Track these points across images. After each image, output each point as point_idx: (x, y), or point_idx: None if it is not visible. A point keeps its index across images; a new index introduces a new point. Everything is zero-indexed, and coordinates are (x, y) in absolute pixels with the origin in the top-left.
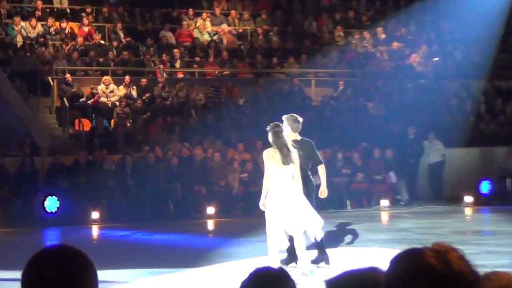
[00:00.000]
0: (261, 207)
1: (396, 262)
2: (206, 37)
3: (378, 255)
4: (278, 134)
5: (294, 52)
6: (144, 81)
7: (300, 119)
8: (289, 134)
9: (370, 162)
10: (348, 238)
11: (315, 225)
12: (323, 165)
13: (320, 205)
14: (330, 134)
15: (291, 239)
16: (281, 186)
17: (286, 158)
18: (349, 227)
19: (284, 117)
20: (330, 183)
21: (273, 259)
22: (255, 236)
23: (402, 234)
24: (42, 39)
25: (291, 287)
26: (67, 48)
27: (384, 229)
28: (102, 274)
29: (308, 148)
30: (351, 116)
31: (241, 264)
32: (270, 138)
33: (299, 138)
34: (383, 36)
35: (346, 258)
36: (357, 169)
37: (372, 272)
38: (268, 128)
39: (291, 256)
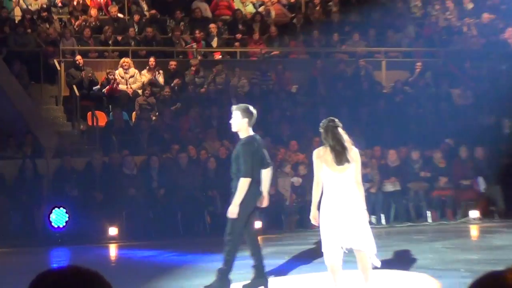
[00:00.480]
0: (313, 220)
1: None
2: (250, 9)
3: (466, 281)
4: (332, 128)
5: (360, 27)
6: (173, 64)
7: (255, 111)
8: (243, 128)
9: (455, 163)
10: (429, 258)
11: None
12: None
13: (393, 218)
14: (405, 128)
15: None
16: (337, 193)
17: (339, 157)
18: (430, 244)
19: (236, 108)
20: (406, 189)
21: (334, 282)
22: (311, 256)
23: (497, 254)
24: (45, 13)
25: None
26: (76, 23)
27: (474, 247)
28: None
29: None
30: (431, 106)
31: None
32: (322, 135)
33: (252, 133)
34: (470, 6)
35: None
36: (440, 172)
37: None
38: (321, 124)
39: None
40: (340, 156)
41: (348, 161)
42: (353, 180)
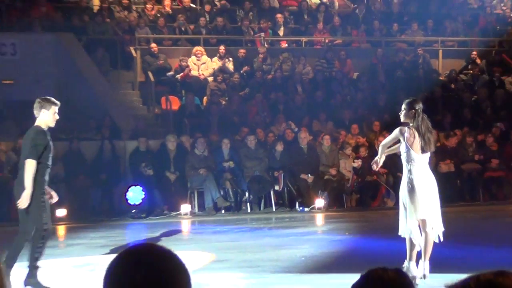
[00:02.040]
0: (373, 165)
1: None
2: (315, 0)
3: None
4: (422, 114)
5: (418, 17)
6: (242, 51)
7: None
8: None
9: (507, 146)
10: (479, 237)
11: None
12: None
13: (448, 197)
14: (460, 113)
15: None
16: (419, 173)
17: (428, 145)
18: (481, 223)
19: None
20: (460, 171)
21: (410, 260)
22: (374, 233)
23: None
24: (126, 1)
25: None
26: (151, 12)
27: None
28: (193, 277)
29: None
30: (485, 92)
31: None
32: (409, 115)
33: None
34: None
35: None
36: (492, 154)
37: (500, 276)
38: (407, 102)
39: None
40: (428, 145)
41: (433, 149)
42: (428, 162)
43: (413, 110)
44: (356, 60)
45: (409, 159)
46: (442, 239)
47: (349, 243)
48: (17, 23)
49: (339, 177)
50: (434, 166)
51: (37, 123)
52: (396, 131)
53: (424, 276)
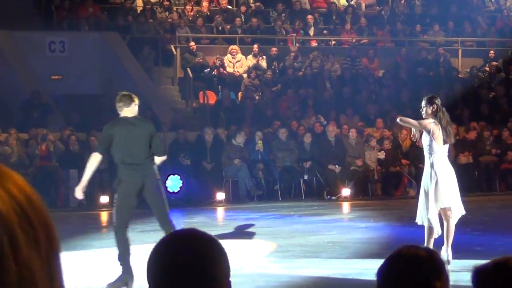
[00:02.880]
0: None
1: None
2: (343, 2)
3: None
4: (442, 109)
5: (439, 19)
6: (274, 50)
7: (125, 96)
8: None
9: None
10: (497, 224)
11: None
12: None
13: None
14: (478, 109)
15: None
16: (440, 164)
17: (449, 137)
18: (499, 213)
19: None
20: (478, 163)
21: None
22: (397, 221)
23: None
24: (167, 2)
25: (439, 271)
26: (190, 13)
27: None
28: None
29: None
30: (502, 89)
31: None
32: (429, 111)
33: (131, 116)
34: None
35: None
36: (508, 147)
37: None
38: (427, 98)
39: None
40: (450, 135)
41: (452, 141)
42: (447, 154)
43: (434, 105)
44: (381, 59)
45: (431, 151)
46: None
47: (373, 230)
48: (66, 22)
49: (364, 168)
50: (454, 157)
51: (135, 114)
52: (421, 122)
53: (448, 262)
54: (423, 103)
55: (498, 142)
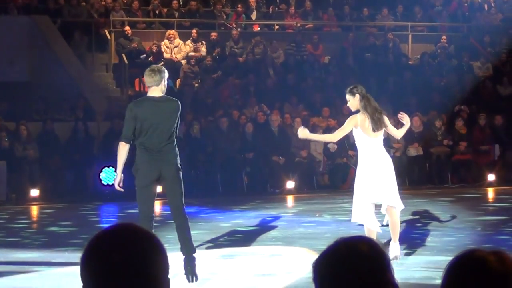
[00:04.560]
0: (300, 131)
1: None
2: None
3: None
4: (367, 96)
5: (388, 2)
6: (214, 35)
7: (154, 70)
8: (148, 90)
9: (475, 130)
10: (445, 220)
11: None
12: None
13: (416, 181)
14: (429, 97)
15: None
16: (371, 156)
17: (377, 124)
18: (450, 206)
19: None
20: (429, 154)
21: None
22: (341, 215)
23: None
24: None
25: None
26: None
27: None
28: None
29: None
30: (454, 77)
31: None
32: (355, 102)
33: (158, 95)
34: None
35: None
36: (461, 138)
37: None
38: (348, 90)
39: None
40: (379, 122)
41: (384, 126)
42: (382, 143)
43: (357, 95)
44: (327, 44)
45: (362, 143)
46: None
47: (319, 224)
48: None
49: (309, 159)
50: (403, 149)
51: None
52: (347, 122)
53: (396, 257)
54: (347, 97)
55: (450, 132)
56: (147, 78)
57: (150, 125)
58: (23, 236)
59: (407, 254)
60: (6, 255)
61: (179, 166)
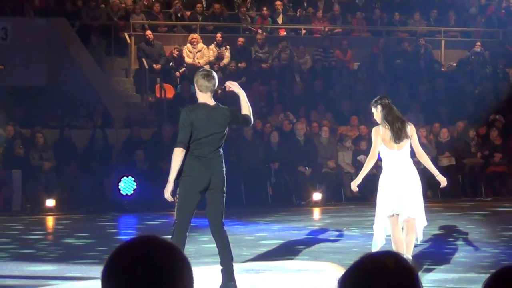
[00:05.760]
0: (353, 186)
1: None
2: None
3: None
4: (389, 106)
5: (421, 6)
6: (241, 40)
7: (211, 75)
8: (200, 96)
9: (510, 141)
10: (479, 235)
11: (420, 224)
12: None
13: (449, 193)
14: (462, 106)
15: None
16: (395, 169)
17: (398, 135)
18: (484, 220)
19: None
20: (461, 166)
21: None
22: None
23: None
24: None
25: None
26: None
27: None
28: None
29: (227, 117)
30: (488, 85)
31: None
32: (378, 113)
33: (213, 103)
34: None
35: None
36: (495, 149)
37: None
38: (372, 102)
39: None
40: (400, 133)
41: (406, 137)
42: (409, 155)
43: (379, 106)
44: (356, 50)
45: (385, 156)
46: (421, 239)
47: (347, 238)
48: (9, 7)
49: (337, 170)
50: (435, 158)
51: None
52: (373, 136)
53: None
54: (372, 109)
55: (484, 143)
56: (204, 83)
57: (205, 134)
58: (38, 248)
59: (438, 271)
60: (20, 268)
61: (225, 177)
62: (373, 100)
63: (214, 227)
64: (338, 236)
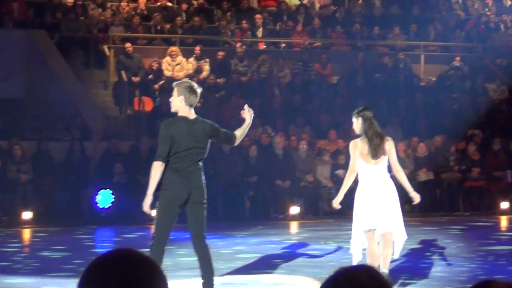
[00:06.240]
0: (334, 204)
1: None
2: (295, 1)
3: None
4: (370, 121)
5: (401, 21)
6: (221, 54)
7: (199, 90)
8: (181, 109)
9: (488, 155)
10: (456, 249)
11: (400, 239)
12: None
13: (426, 207)
14: (441, 120)
15: None
16: (372, 184)
17: (376, 150)
18: (462, 235)
19: (175, 85)
20: (439, 180)
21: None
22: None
23: None
24: None
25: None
26: (126, 10)
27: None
28: None
29: (206, 132)
30: (467, 99)
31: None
32: (358, 125)
33: (193, 116)
34: (509, 3)
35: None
36: (473, 164)
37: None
38: (354, 113)
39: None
40: (377, 149)
41: (384, 153)
42: (386, 170)
43: (359, 118)
44: (336, 64)
45: (362, 170)
46: (396, 256)
47: (325, 252)
48: None
49: (315, 184)
50: (412, 173)
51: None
52: (351, 150)
53: None
54: (352, 119)
55: (462, 157)
56: (194, 99)
57: (185, 148)
58: (14, 261)
59: (415, 285)
60: None
61: (205, 190)
62: (356, 110)
63: (195, 240)
64: (315, 250)
